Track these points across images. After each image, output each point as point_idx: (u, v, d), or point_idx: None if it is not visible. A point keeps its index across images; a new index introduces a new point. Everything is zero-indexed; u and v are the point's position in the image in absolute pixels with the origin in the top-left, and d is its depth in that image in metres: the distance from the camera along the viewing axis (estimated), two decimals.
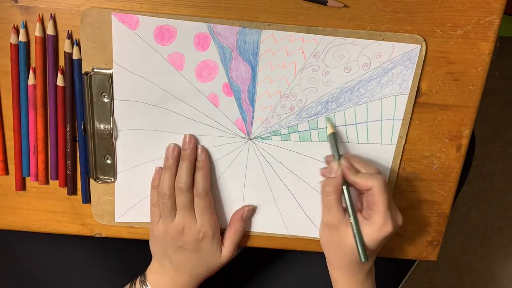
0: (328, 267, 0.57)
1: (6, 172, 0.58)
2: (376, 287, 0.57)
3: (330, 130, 0.55)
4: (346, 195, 0.53)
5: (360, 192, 0.55)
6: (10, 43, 0.53)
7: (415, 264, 0.73)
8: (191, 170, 0.55)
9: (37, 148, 0.56)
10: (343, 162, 0.54)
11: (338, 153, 0.55)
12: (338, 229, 0.53)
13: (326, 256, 0.57)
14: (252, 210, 0.60)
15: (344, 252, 0.54)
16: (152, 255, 0.58)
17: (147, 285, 0.57)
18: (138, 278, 0.58)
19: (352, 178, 0.53)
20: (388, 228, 0.51)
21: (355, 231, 0.52)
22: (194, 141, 0.55)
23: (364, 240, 0.52)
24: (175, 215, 0.55)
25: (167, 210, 0.55)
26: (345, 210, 0.53)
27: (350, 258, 0.53)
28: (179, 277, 0.57)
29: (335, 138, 0.55)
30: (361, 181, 0.52)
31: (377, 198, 0.51)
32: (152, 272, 0.58)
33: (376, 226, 0.51)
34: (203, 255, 0.56)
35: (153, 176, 0.57)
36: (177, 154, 0.55)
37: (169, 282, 0.57)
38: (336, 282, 0.56)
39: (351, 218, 0.53)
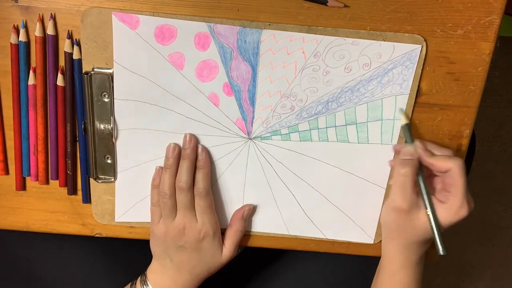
0: (384, 240, 0.57)
1: (6, 172, 0.58)
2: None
3: (404, 121, 0.55)
4: (421, 179, 0.53)
5: (429, 175, 0.54)
6: (10, 43, 0.53)
7: None
8: (192, 170, 0.55)
9: (37, 148, 0.56)
10: (418, 144, 0.53)
11: (412, 140, 0.54)
12: (409, 212, 0.53)
13: (384, 231, 0.57)
14: (252, 210, 0.60)
15: (410, 233, 0.53)
16: (153, 254, 0.58)
17: (147, 285, 0.57)
18: (139, 278, 0.58)
19: (429, 159, 0.52)
20: (464, 212, 0.51)
21: (432, 222, 0.51)
22: (195, 141, 0.55)
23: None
24: (176, 215, 0.55)
25: (168, 209, 0.55)
26: (418, 193, 0.53)
27: (413, 239, 0.53)
28: (180, 277, 0.57)
29: (409, 127, 0.55)
30: (439, 162, 0.52)
31: (457, 179, 0.50)
32: (153, 271, 0.58)
33: (454, 208, 0.51)
34: (204, 254, 0.56)
35: (153, 175, 0.57)
36: (178, 153, 0.55)
37: (169, 282, 0.57)
38: (387, 256, 0.56)
39: (427, 203, 0.52)
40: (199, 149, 0.56)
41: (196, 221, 0.55)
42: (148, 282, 0.57)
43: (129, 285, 0.59)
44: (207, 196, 0.55)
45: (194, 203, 0.55)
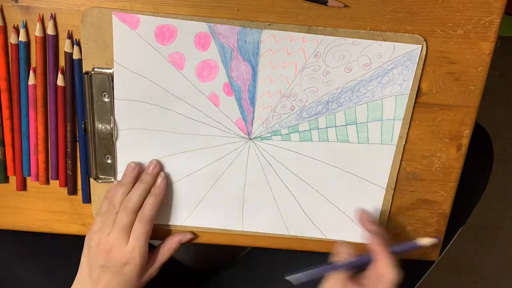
0: None
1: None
2: None
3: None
4: None
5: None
6: (10, 43, 0.53)
7: (430, 269, 0.72)
8: (145, 194, 0.55)
9: (37, 148, 0.56)
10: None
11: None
12: None
13: None
14: (252, 210, 0.60)
15: None
16: (79, 267, 0.57)
17: None
18: None
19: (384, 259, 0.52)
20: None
21: None
22: (158, 169, 0.56)
23: None
24: (111, 232, 0.54)
25: (109, 223, 0.54)
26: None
27: None
28: None
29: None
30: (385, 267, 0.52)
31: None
32: (73, 284, 0.56)
33: None
34: (123, 280, 0.55)
35: (110, 187, 0.57)
36: (136, 174, 0.56)
37: None
38: None
39: None
40: (160, 178, 0.56)
41: (126, 245, 0.54)
42: None
43: None
44: (148, 223, 0.54)
45: (132, 226, 0.54)
